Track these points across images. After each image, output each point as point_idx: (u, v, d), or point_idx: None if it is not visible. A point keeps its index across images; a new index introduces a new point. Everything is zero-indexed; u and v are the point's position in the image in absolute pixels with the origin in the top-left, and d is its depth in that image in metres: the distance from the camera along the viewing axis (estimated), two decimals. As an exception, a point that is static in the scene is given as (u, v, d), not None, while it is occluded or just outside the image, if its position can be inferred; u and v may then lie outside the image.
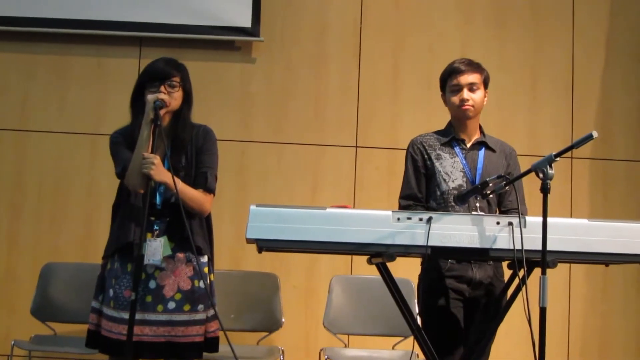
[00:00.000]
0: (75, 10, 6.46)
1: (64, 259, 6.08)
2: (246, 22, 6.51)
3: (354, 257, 6.07)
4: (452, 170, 4.35)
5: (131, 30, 6.48)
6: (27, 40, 6.52)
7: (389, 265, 3.84)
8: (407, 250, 3.70)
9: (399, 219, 3.69)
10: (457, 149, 4.41)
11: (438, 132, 4.51)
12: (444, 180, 4.33)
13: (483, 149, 4.43)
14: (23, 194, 6.40)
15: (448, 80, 4.43)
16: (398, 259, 3.72)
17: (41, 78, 6.52)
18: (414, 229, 3.68)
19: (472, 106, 4.37)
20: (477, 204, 4.22)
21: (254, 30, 6.53)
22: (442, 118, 4.57)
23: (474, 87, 4.38)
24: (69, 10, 6.46)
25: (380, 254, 3.74)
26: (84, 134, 6.44)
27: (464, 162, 4.36)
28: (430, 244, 3.67)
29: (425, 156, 4.41)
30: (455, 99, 4.38)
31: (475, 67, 4.42)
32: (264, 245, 3.67)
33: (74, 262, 6.00)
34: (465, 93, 4.36)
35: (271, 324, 5.79)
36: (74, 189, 6.41)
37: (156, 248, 4.11)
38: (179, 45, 6.48)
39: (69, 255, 6.20)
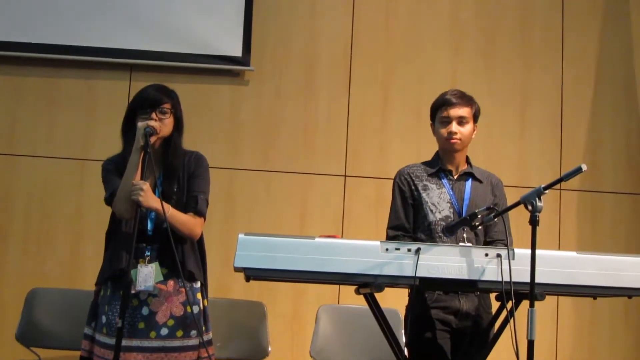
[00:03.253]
0: (66, 36, 6.46)
1: (50, 285, 6.03)
2: (237, 51, 6.53)
3: (341, 286, 6.07)
4: (439, 201, 4.35)
5: (121, 57, 6.48)
6: (17, 65, 6.50)
7: (377, 295, 3.84)
8: (395, 281, 3.70)
9: (387, 249, 3.69)
10: (444, 180, 4.42)
11: (425, 163, 4.53)
12: (431, 211, 4.33)
13: (470, 180, 4.44)
14: (10, 218, 6.37)
15: (438, 111, 4.45)
16: (386, 288, 3.71)
17: (30, 102, 6.49)
18: (403, 260, 3.68)
19: (460, 139, 4.38)
20: (465, 235, 4.22)
21: (244, 59, 6.54)
22: (431, 148, 4.58)
23: (463, 121, 4.39)
24: (59, 36, 6.46)
25: (368, 285, 3.74)
26: (72, 159, 6.42)
27: (451, 193, 4.37)
28: (418, 275, 3.66)
29: (413, 187, 4.42)
30: (444, 132, 4.40)
31: (466, 100, 4.42)
32: (252, 274, 3.66)
33: (60, 288, 5.95)
34: (454, 126, 4.37)
35: (258, 353, 5.76)
36: (62, 214, 6.38)
37: (148, 274, 4.10)
38: (169, 72, 6.48)
39: (55, 281, 6.16)
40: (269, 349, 5.75)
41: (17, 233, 6.36)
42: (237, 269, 3.66)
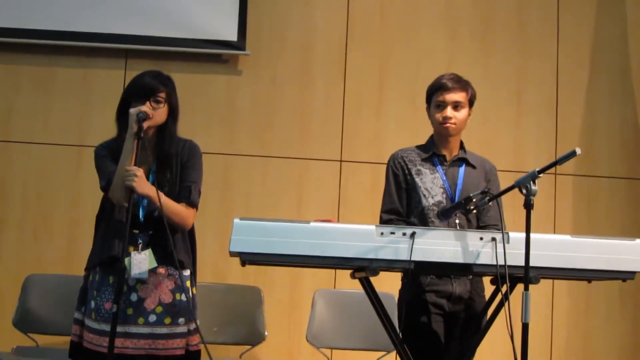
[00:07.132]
0: (61, 22, 6.45)
1: (47, 271, 6.05)
2: (232, 35, 6.52)
3: (337, 271, 6.08)
4: (432, 186, 4.34)
5: (117, 43, 6.47)
6: (12, 52, 6.49)
7: (372, 279, 3.84)
8: (390, 265, 3.71)
9: (382, 233, 3.69)
10: (437, 165, 4.41)
11: (419, 147, 4.51)
12: (424, 196, 4.32)
13: (463, 165, 4.43)
14: (6, 205, 6.37)
15: (434, 95, 4.42)
16: (381, 273, 3.72)
17: (26, 89, 6.49)
18: (398, 244, 3.68)
19: (454, 124, 4.36)
20: (457, 221, 4.22)
21: (240, 43, 6.53)
22: (426, 133, 4.58)
23: (459, 106, 4.37)
24: (54, 22, 6.45)
25: (363, 269, 3.74)
26: (68, 146, 6.42)
27: (444, 178, 4.36)
28: (413, 258, 3.67)
29: (406, 171, 4.41)
30: (439, 116, 4.38)
31: (462, 85, 4.40)
32: (248, 259, 3.67)
33: (57, 274, 5.96)
34: (449, 111, 4.35)
35: (254, 338, 5.78)
36: (58, 201, 6.39)
37: (141, 261, 4.09)
38: (164, 58, 6.47)
39: (52, 267, 6.16)
40: (266, 333, 5.78)
41: (13, 219, 6.36)
42: (232, 254, 3.66)
